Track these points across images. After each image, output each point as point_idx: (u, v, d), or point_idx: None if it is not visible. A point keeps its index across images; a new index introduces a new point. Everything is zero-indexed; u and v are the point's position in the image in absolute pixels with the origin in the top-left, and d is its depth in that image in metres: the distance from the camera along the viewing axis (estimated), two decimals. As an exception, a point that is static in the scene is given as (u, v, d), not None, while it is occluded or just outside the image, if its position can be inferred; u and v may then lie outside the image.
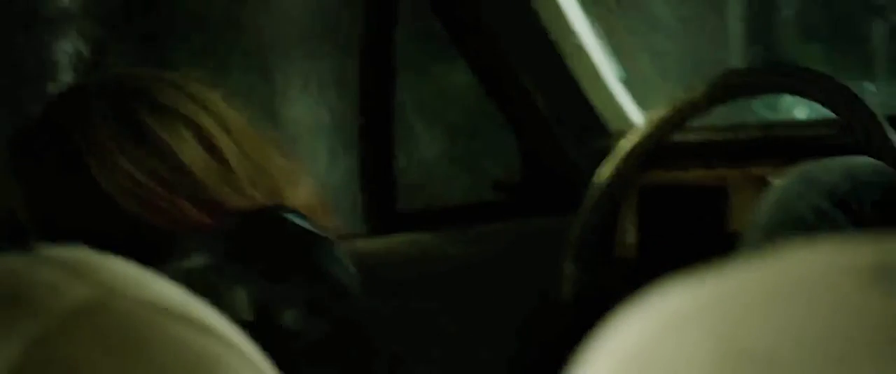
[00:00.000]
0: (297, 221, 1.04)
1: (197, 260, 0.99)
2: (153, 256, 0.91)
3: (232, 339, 0.71)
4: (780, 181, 1.51)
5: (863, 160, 1.53)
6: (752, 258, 0.41)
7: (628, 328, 0.41)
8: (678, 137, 1.93)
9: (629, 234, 2.01)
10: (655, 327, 0.40)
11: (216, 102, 1.08)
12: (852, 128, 1.67)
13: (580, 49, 2.21)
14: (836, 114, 1.71)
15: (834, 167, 1.49)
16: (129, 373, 0.69)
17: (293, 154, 1.12)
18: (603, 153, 2.00)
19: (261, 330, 0.84)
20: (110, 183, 1.02)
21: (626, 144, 1.94)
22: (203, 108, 1.06)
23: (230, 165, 1.05)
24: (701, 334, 0.39)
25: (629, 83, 2.24)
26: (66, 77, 2.04)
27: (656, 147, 1.93)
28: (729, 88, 1.83)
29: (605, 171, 1.95)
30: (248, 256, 1.01)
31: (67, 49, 2.04)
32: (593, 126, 2.21)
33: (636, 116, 2.23)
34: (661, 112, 1.91)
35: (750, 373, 0.37)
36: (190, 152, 1.04)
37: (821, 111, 1.79)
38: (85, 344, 0.71)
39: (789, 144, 1.92)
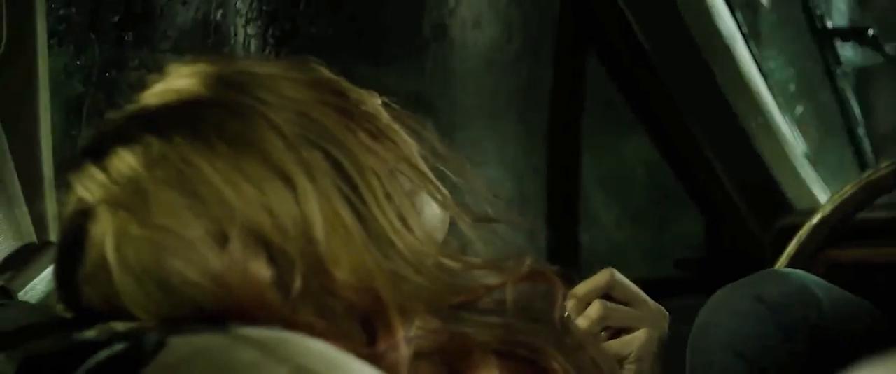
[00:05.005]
0: None
1: None
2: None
3: None
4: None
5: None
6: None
7: None
8: (865, 214, 1.92)
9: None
10: None
11: None
12: None
13: (766, 126, 2.21)
14: None
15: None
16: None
17: None
18: (788, 231, 1.99)
19: None
20: None
21: (811, 222, 1.93)
22: None
23: None
24: None
25: (815, 161, 2.24)
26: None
27: (843, 224, 1.92)
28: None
29: (791, 248, 1.94)
30: None
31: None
32: (779, 203, 2.20)
33: (822, 193, 2.22)
34: (847, 190, 1.89)
35: None
36: None
37: None
38: None
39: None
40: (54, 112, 1.41)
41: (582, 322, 1.25)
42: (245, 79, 0.98)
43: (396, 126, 1.04)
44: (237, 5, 1.84)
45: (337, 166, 0.95)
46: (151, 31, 1.75)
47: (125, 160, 0.93)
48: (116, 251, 0.92)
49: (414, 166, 1.02)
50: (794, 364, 1.36)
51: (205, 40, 1.80)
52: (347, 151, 0.96)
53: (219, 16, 1.82)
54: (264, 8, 1.87)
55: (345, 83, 1.03)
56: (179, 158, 0.92)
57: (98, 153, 0.95)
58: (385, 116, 1.04)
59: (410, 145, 1.04)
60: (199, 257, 0.90)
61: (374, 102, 1.05)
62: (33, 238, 1.30)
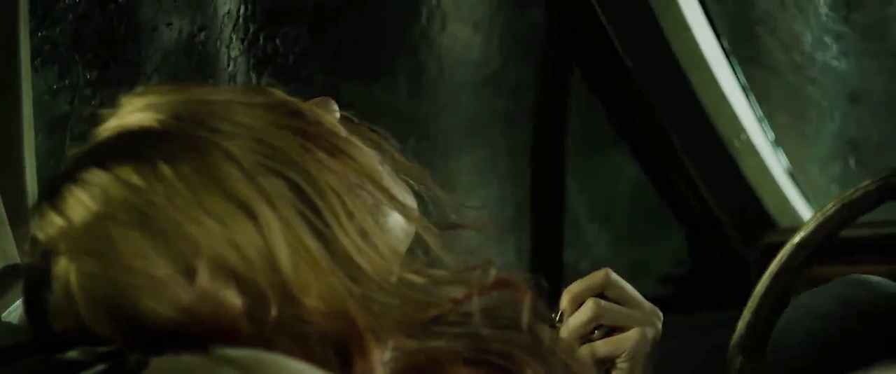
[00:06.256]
0: None
1: None
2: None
3: None
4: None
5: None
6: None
7: None
8: (849, 232, 1.92)
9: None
10: None
11: None
12: None
13: (749, 145, 2.22)
14: None
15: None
16: None
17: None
18: (773, 248, 2.00)
19: None
20: None
21: (793, 241, 1.94)
22: None
23: None
24: None
25: (798, 179, 2.25)
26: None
27: (826, 242, 1.92)
28: (898, 183, 1.82)
29: (773, 267, 1.95)
30: None
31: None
32: (762, 221, 2.21)
33: (805, 211, 2.23)
34: (830, 207, 1.90)
35: None
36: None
37: None
38: None
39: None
40: (38, 132, 1.41)
41: (575, 320, 1.27)
42: (198, 109, 0.97)
43: (355, 140, 1.04)
44: (220, 26, 1.84)
45: (297, 191, 0.94)
46: (136, 51, 1.75)
47: (83, 203, 0.93)
48: (84, 293, 0.92)
49: (374, 181, 1.01)
50: (874, 367, 1.39)
51: (189, 60, 1.81)
52: (307, 174, 0.95)
53: (202, 37, 1.82)
54: (249, 28, 1.87)
55: (300, 103, 1.03)
56: (139, 198, 0.92)
57: (55, 197, 0.95)
58: (343, 131, 1.04)
59: (370, 158, 1.04)
60: (169, 294, 0.90)
61: (332, 118, 1.04)
62: (17, 259, 1.30)
